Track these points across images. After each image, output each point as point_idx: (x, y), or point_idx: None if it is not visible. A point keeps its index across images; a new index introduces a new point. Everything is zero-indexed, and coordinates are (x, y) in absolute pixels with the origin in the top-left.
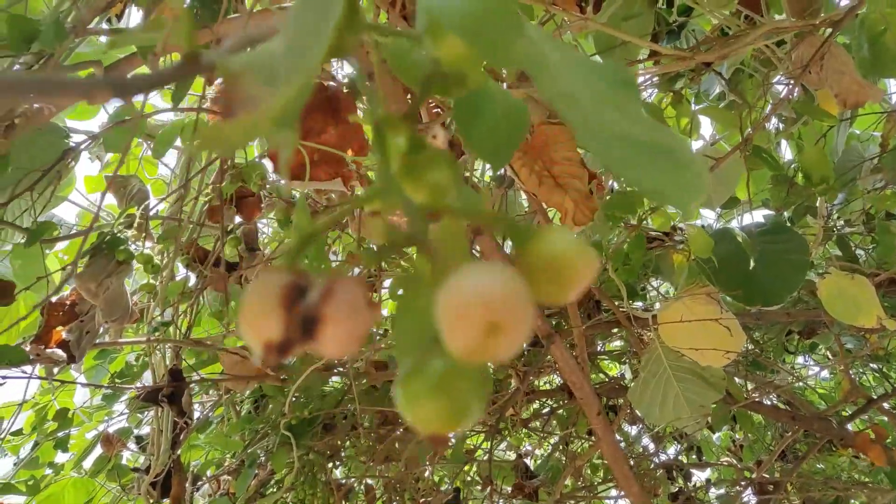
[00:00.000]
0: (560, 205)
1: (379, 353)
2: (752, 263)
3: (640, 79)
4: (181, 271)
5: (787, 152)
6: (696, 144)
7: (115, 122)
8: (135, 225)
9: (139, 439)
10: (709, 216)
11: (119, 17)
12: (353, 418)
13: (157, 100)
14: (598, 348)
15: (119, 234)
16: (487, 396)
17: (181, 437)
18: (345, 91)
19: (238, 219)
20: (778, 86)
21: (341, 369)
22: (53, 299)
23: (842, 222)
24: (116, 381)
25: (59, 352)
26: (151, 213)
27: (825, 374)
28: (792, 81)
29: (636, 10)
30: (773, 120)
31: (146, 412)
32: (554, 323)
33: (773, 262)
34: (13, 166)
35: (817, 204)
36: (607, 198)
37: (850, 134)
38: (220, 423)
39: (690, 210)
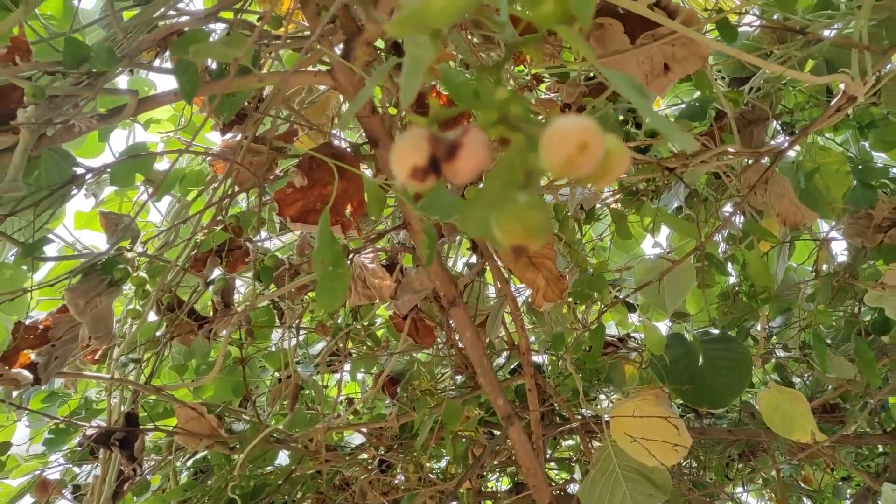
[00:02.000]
0: (533, 282)
1: (329, 435)
2: (700, 361)
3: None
4: (150, 318)
5: (732, 276)
6: (655, 249)
7: (126, 155)
8: (126, 255)
9: (76, 488)
10: (661, 326)
11: (150, 62)
12: None
13: (163, 145)
14: (548, 455)
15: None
16: (550, 230)
17: (125, 487)
18: (350, 151)
19: (218, 271)
20: (726, 211)
21: (293, 444)
22: (27, 322)
23: (780, 348)
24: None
25: (25, 372)
26: (138, 252)
27: None
28: (740, 201)
29: (608, 127)
30: (722, 245)
31: (83, 465)
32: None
33: (720, 367)
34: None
35: (758, 325)
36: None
37: (787, 266)
38: (157, 491)
39: (689, 147)
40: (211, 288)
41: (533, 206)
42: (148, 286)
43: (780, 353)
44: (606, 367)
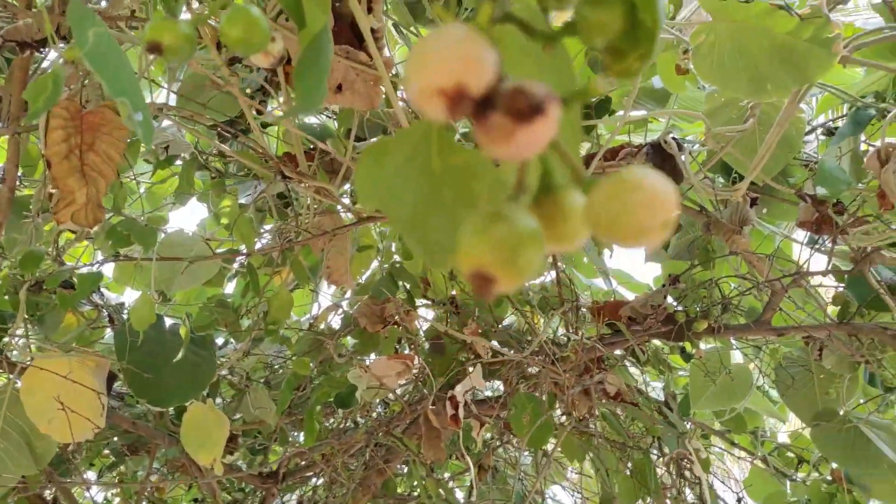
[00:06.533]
0: (72, 192)
1: None
2: (177, 354)
3: None
4: None
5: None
6: None
7: None
8: None
9: None
10: None
11: None
12: None
13: None
14: None
15: None
16: (533, 271)
17: None
18: None
19: None
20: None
21: None
22: None
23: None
24: None
25: None
26: None
27: None
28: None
29: None
30: None
31: None
32: None
33: (184, 367)
34: None
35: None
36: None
37: None
38: None
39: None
40: None
41: (535, 237)
42: None
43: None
44: (44, 306)
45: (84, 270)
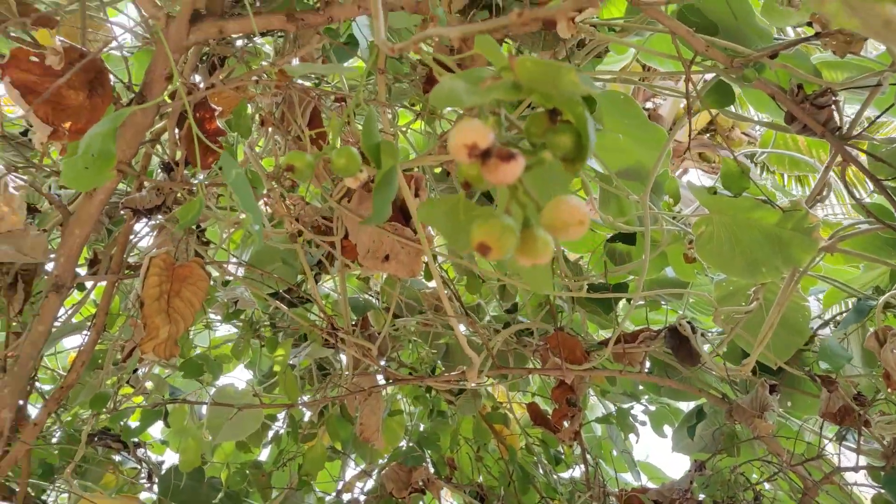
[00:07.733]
0: (157, 328)
1: None
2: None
3: None
4: None
5: None
6: None
7: None
8: None
9: None
10: None
11: None
12: None
13: None
14: None
15: None
16: (511, 249)
17: None
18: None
19: None
20: None
21: None
22: None
23: None
24: None
25: None
26: None
27: None
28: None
29: None
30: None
31: None
32: None
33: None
34: None
35: None
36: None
37: None
38: None
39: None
40: None
41: (512, 230)
42: None
43: None
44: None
45: (144, 410)
